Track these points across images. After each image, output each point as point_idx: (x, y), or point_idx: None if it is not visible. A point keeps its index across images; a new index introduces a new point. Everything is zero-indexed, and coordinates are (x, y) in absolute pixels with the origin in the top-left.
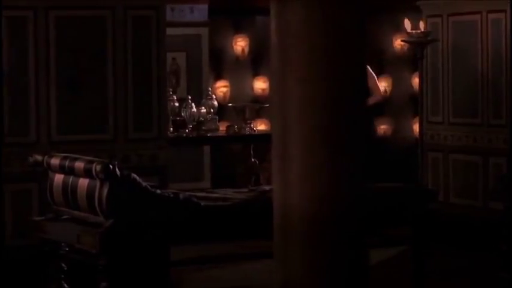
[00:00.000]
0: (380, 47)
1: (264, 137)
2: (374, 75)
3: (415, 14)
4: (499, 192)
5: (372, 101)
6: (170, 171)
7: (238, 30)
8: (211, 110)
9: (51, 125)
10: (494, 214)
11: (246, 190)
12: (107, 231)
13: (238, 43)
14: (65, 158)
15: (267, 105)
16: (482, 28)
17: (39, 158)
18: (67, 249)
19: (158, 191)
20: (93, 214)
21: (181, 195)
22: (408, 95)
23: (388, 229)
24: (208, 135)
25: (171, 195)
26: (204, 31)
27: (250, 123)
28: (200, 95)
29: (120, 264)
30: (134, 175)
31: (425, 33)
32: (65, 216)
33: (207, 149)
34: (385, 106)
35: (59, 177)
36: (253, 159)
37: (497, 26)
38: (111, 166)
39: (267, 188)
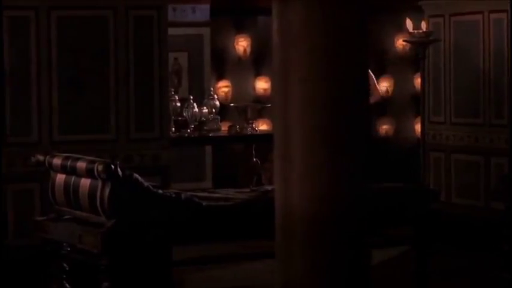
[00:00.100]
0: (382, 47)
1: (265, 137)
2: (372, 75)
3: (417, 14)
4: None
5: (370, 101)
6: (172, 171)
7: (240, 30)
8: (213, 110)
9: (53, 125)
10: (495, 214)
11: (247, 190)
12: (109, 231)
13: (240, 43)
14: (66, 158)
15: (269, 105)
16: (484, 28)
17: (41, 158)
18: (69, 249)
19: (160, 191)
20: (95, 214)
21: (183, 195)
22: (410, 95)
23: (389, 229)
24: (210, 135)
25: (173, 195)
26: (206, 31)
27: (252, 123)
28: (202, 95)
29: (122, 264)
30: (136, 175)
31: (427, 33)
32: (66, 216)
33: (208, 149)
34: (387, 106)
35: (60, 177)
36: (255, 159)
37: (499, 26)
38: (113, 166)
39: (268, 188)
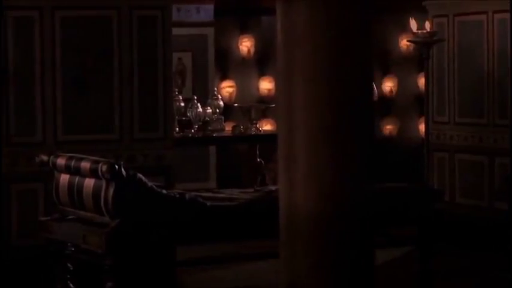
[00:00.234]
0: (386, 47)
1: (269, 137)
2: None
3: (421, 14)
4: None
5: None
6: (176, 171)
7: (244, 30)
8: (217, 110)
9: (57, 125)
10: (500, 214)
11: (251, 190)
12: (113, 231)
13: (244, 43)
14: (70, 158)
15: (273, 105)
16: (488, 28)
17: (45, 158)
18: (73, 249)
19: (164, 191)
20: (99, 214)
21: (187, 196)
22: (414, 95)
23: (393, 229)
24: (214, 135)
25: (177, 196)
26: (210, 31)
27: (256, 124)
28: (206, 95)
29: (126, 264)
30: (140, 175)
31: (431, 33)
32: (70, 217)
33: (212, 149)
34: (391, 106)
35: (64, 177)
36: (259, 160)
37: (503, 25)
38: (117, 166)
39: (272, 188)
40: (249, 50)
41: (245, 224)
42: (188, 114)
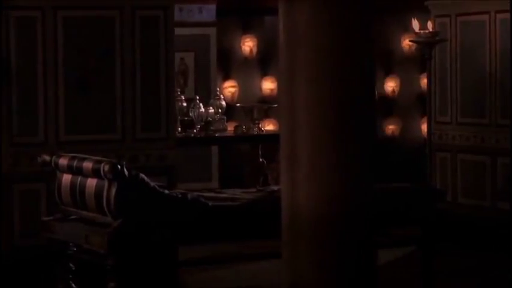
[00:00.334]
0: (388, 47)
1: (272, 137)
2: None
3: (423, 14)
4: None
5: None
6: (178, 171)
7: (246, 30)
8: (219, 110)
9: (60, 125)
10: (502, 214)
11: (254, 190)
12: (115, 231)
13: (247, 43)
14: (73, 158)
15: (275, 105)
16: (491, 28)
17: (47, 158)
18: (75, 249)
19: (166, 191)
20: (101, 214)
21: (189, 196)
22: (416, 95)
23: (396, 229)
24: (216, 135)
25: (179, 196)
26: (212, 31)
27: (259, 124)
28: (208, 95)
29: (128, 264)
30: (142, 175)
31: (434, 33)
32: (73, 217)
33: (215, 149)
34: (393, 106)
35: (67, 177)
36: (261, 160)
37: (506, 25)
38: (119, 166)
39: (275, 188)
40: (251, 50)
41: (247, 224)
42: (190, 114)
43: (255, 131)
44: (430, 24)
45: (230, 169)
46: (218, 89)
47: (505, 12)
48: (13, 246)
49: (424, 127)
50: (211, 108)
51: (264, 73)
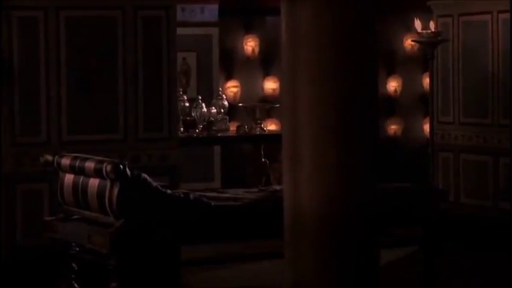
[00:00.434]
0: (390, 47)
1: (274, 137)
2: None
3: (426, 14)
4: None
5: None
6: (180, 171)
7: (248, 30)
8: (222, 110)
9: (62, 125)
10: (504, 214)
11: (256, 190)
12: (118, 231)
13: (249, 43)
14: (75, 158)
15: (277, 105)
16: (493, 28)
17: (49, 158)
18: (77, 249)
19: (169, 191)
20: (103, 214)
21: (191, 195)
22: (418, 95)
23: (398, 229)
24: (219, 135)
25: (182, 195)
26: (214, 31)
27: (261, 123)
28: (210, 95)
29: (131, 264)
30: (145, 175)
31: (436, 33)
32: (75, 216)
33: (217, 149)
34: (396, 106)
35: (69, 177)
36: (263, 159)
37: (508, 25)
38: (121, 166)
39: (277, 188)
40: (253, 50)
41: (250, 224)
42: (193, 114)
43: (257, 131)
44: (432, 24)
45: (232, 169)
46: (220, 89)
47: (507, 12)
48: (15, 246)
49: (427, 127)
50: (213, 108)
51: (266, 73)
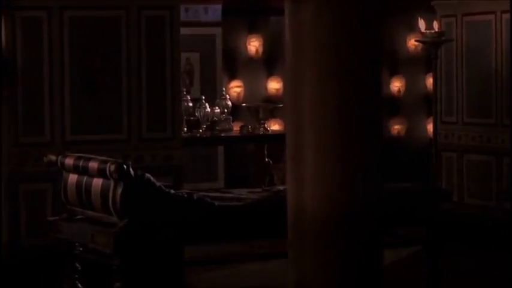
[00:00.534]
0: (394, 47)
1: (277, 137)
2: None
3: (429, 14)
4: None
5: None
6: (184, 171)
7: (252, 30)
8: (225, 110)
9: (65, 125)
10: (507, 214)
11: (260, 190)
12: (121, 231)
13: (252, 43)
14: (79, 158)
15: (281, 105)
16: (497, 28)
17: (53, 158)
18: (81, 249)
19: (172, 191)
20: (107, 214)
21: (195, 195)
22: (422, 95)
23: (401, 229)
24: (222, 135)
25: (185, 195)
26: (218, 31)
27: (264, 123)
28: (214, 95)
29: (134, 264)
30: (148, 175)
31: (440, 33)
32: (79, 216)
33: (220, 149)
34: (399, 106)
35: (73, 177)
36: (267, 160)
37: None
38: (125, 166)
39: (280, 188)
40: (257, 50)
41: (253, 224)
42: (196, 114)
43: (261, 131)
44: (436, 24)
45: (236, 169)
46: (224, 89)
47: None
48: (19, 246)
49: (430, 127)
50: (217, 108)
51: (270, 73)
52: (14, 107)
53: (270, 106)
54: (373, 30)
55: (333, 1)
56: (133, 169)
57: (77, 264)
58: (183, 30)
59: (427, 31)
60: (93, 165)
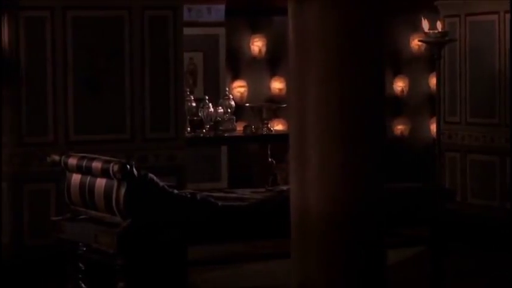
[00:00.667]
0: (397, 47)
1: (281, 137)
2: None
3: (433, 14)
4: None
5: None
6: (187, 171)
7: (255, 30)
8: (229, 110)
9: (69, 125)
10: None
11: (263, 190)
12: (125, 231)
13: (255, 43)
14: (82, 158)
15: (284, 105)
16: (500, 28)
17: (56, 158)
18: (85, 249)
19: (175, 191)
20: (110, 214)
21: (198, 196)
22: (425, 95)
23: (405, 229)
24: (226, 135)
25: (189, 196)
26: (221, 31)
27: (268, 123)
28: (217, 95)
29: (138, 264)
30: (152, 175)
31: (443, 33)
32: (82, 216)
33: (224, 149)
34: (403, 106)
35: (76, 177)
36: (270, 160)
37: None
38: (128, 166)
39: (284, 188)
40: (260, 50)
41: (256, 224)
42: (200, 114)
43: (264, 131)
44: (439, 24)
45: (239, 169)
46: (227, 89)
47: None
48: (23, 246)
49: (433, 127)
50: (220, 108)
51: (273, 73)
52: (18, 107)
53: (274, 106)
54: (377, 30)
55: (337, 1)
56: (136, 169)
57: (81, 264)
58: (186, 31)
59: (431, 31)
60: (97, 165)
